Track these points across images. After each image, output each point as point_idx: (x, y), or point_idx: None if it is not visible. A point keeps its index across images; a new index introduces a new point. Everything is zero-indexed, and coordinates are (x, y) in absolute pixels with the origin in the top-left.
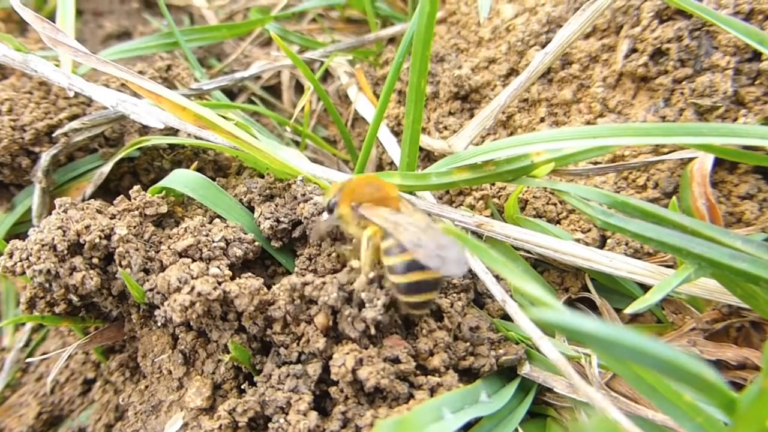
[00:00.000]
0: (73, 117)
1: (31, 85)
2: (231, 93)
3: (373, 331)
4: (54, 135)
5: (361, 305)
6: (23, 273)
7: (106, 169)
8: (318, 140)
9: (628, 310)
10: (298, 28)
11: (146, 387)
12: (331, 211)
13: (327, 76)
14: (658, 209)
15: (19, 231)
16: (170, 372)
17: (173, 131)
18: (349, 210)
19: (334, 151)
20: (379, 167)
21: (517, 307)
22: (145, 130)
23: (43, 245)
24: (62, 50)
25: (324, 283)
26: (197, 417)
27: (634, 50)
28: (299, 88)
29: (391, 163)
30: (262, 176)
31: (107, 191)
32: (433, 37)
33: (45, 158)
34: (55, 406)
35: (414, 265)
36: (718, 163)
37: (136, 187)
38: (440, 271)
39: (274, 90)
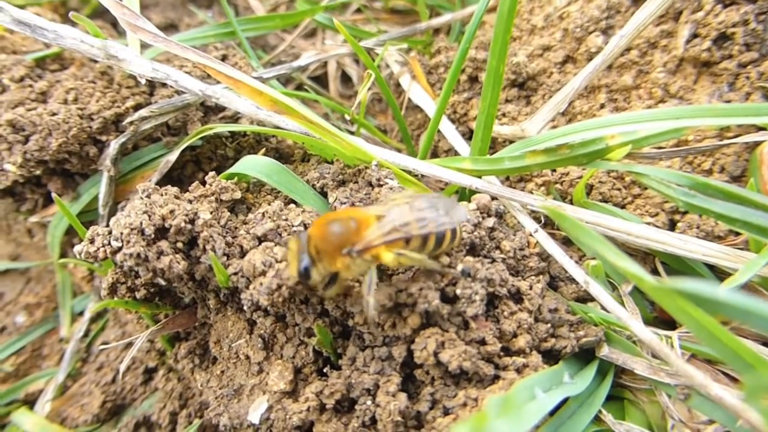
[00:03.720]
0: (138, 106)
1: (93, 74)
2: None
3: (474, 325)
4: (123, 123)
5: (455, 299)
6: (105, 258)
7: (173, 157)
8: (372, 128)
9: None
10: (343, 18)
11: (222, 372)
12: (307, 277)
13: None
14: (741, 190)
15: (83, 220)
16: (248, 357)
17: (235, 119)
18: (344, 260)
19: (387, 140)
20: (434, 155)
21: (602, 288)
22: (205, 119)
23: (132, 229)
24: (142, 36)
25: (421, 289)
26: (281, 400)
27: (695, 35)
28: (345, 79)
29: (448, 150)
30: (329, 163)
31: (170, 180)
32: (513, 22)
33: (114, 146)
34: (118, 395)
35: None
36: None
37: (211, 173)
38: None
39: (320, 80)
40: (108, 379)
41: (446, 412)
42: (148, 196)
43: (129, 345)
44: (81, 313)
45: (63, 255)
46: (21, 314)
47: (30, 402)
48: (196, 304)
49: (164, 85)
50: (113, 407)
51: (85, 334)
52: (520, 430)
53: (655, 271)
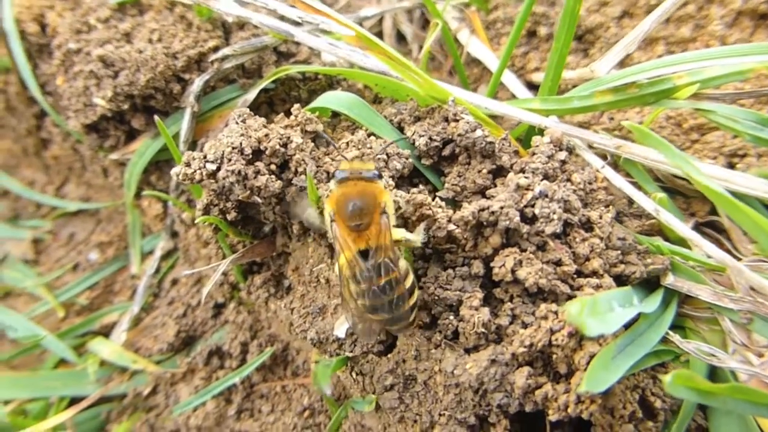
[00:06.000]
0: (217, 48)
1: (173, 18)
2: None
3: (552, 245)
4: (206, 62)
5: (534, 220)
6: (201, 180)
7: (251, 96)
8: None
9: None
10: None
11: (303, 295)
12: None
13: (425, 24)
14: None
15: (161, 158)
16: (328, 281)
17: (307, 63)
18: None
19: None
20: None
21: (671, 216)
22: (278, 63)
23: (233, 148)
24: None
25: (502, 207)
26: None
27: None
28: (399, 37)
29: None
30: None
31: None
32: None
33: (198, 83)
34: (189, 326)
35: None
36: None
37: (296, 105)
38: None
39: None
40: (179, 313)
41: (525, 327)
42: (244, 121)
43: (200, 281)
44: (150, 252)
45: (138, 193)
46: (94, 252)
47: (104, 334)
48: (275, 233)
49: (241, 28)
50: (186, 338)
51: (156, 271)
52: (607, 330)
53: (712, 212)
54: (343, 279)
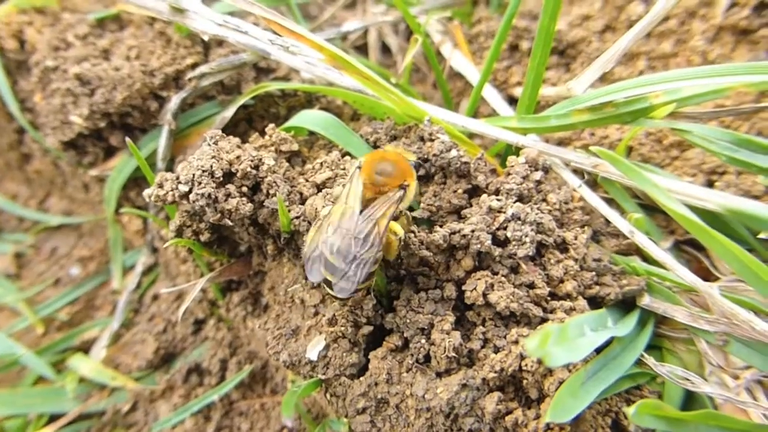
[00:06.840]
0: (195, 65)
1: (152, 34)
2: None
3: (524, 268)
4: (184, 79)
5: (506, 243)
6: (173, 202)
7: (229, 113)
8: (414, 94)
9: (763, 235)
10: None
11: (278, 316)
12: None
13: (411, 35)
14: None
15: (138, 175)
16: (303, 301)
17: (286, 80)
18: None
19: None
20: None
21: (646, 237)
22: (258, 79)
23: (203, 171)
24: None
25: (474, 230)
26: (337, 339)
27: (734, 4)
28: (384, 50)
29: (488, 116)
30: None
31: None
32: None
33: (175, 101)
34: (169, 343)
35: None
36: None
37: (271, 125)
38: None
39: (361, 51)
40: (159, 329)
41: (497, 351)
42: (216, 143)
43: (180, 296)
44: (132, 267)
45: (117, 209)
46: (75, 267)
47: (84, 350)
48: (251, 253)
49: (220, 44)
50: (165, 355)
51: (137, 287)
52: (573, 359)
53: None
54: (329, 215)
